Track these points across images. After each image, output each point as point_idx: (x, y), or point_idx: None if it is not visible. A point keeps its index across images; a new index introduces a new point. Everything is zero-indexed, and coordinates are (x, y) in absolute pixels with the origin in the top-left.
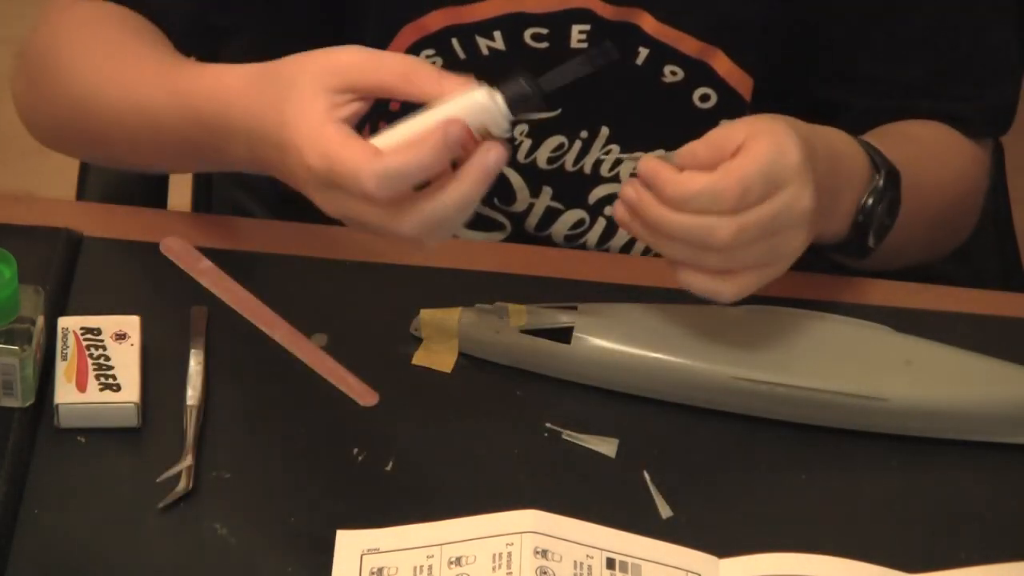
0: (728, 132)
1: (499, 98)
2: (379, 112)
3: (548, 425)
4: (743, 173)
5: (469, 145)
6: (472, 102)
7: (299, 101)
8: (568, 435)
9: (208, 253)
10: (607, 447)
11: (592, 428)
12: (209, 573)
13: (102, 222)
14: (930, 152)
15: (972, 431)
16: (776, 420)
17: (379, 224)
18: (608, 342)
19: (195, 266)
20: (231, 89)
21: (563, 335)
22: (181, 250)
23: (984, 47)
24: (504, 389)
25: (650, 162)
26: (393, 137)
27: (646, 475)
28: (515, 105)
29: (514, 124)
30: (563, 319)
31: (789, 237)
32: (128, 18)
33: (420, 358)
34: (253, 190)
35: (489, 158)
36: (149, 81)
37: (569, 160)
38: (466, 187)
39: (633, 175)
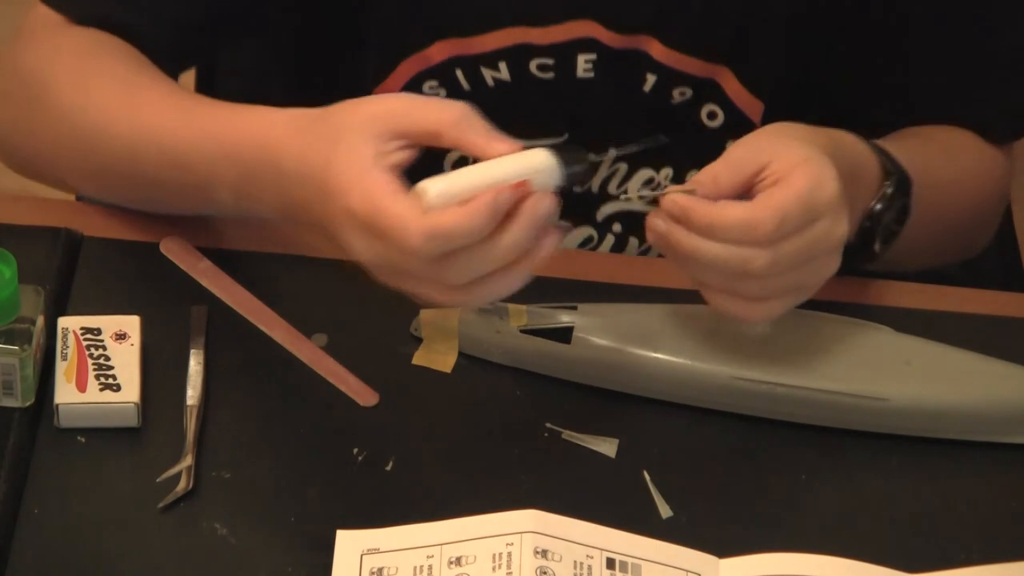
0: (748, 152)
1: (557, 161)
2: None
3: (548, 425)
4: (780, 205)
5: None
6: (536, 162)
7: (347, 146)
8: (568, 435)
9: (208, 253)
10: (607, 447)
11: (592, 428)
12: (209, 573)
13: (102, 222)
14: (949, 155)
15: (972, 431)
16: (776, 420)
17: (421, 274)
18: (608, 342)
19: (195, 266)
20: (278, 132)
21: (563, 335)
22: (181, 250)
23: (1004, 51)
24: (504, 389)
25: (677, 198)
26: (449, 184)
27: (646, 475)
28: (570, 178)
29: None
30: (563, 319)
31: (821, 264)
32: (118, 45)
33: (420, 358)
34: None
35: (539, 207)
36: (171, 117)
37: None
38: (515, 236)
39: (644, 196)
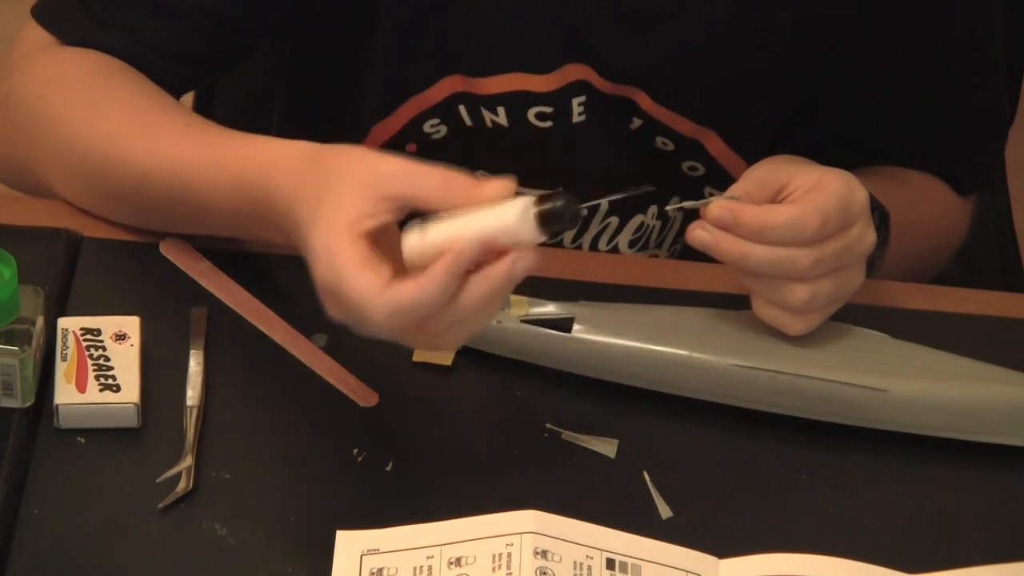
0: (768, 173)
1: (533, 214)
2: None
3: (548, 425)
4: (822, 205)
5: (494, 256)
6: (505, 219)
7: (333, 201)
8: (568, 435)
9: (208, 253)
10: (607, 447)
11: (592, 428)
12: (209, 573)
13: (102, 222)
14: (915, 197)
15: (972, 430)
16: (776, 420)
17: (391, 337)
18: (609, 332)
19: (195, 266)
20: (280, 169)
21: (564, 325)
22: (181, 250)
23: (977, 111)
24: (504, 389)
25: (727, 203)
26: (423, 238)
27: (646, 475)
28: (549, 222)
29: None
30: (564, 310)
31: (853, 273)
32: (122, 68)
33: (420, 353)
34: None
35: (516, 267)
36: (184, 146)
37: (567, 238)
38: (476, 296)
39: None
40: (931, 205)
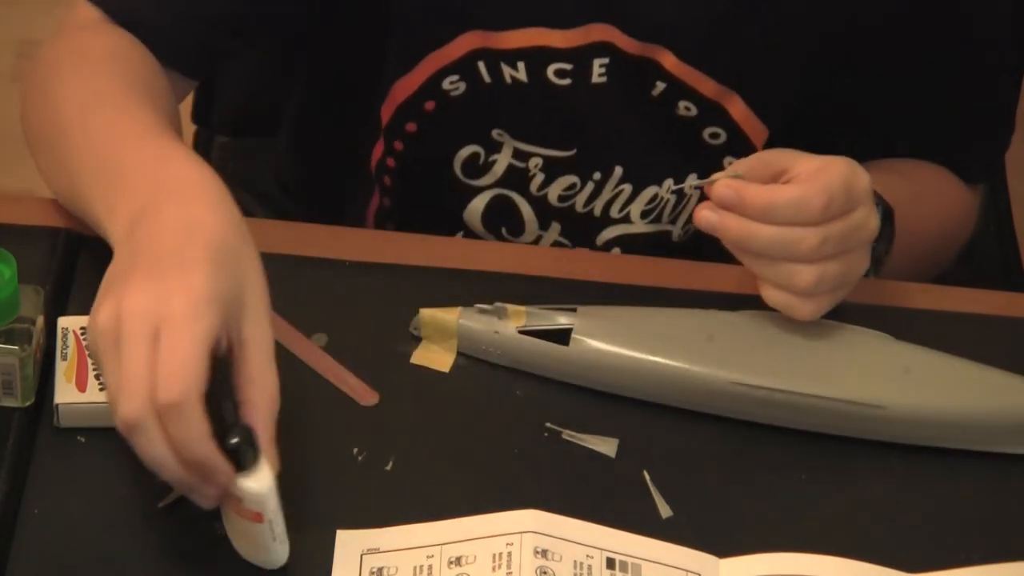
0: (773, 156)
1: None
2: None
3: (548, 425)
4: (827, 186)
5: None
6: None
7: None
8: (568, 435)
9: None
10: (607, 447)
11: (592, 428)
12: (209, 573)
13: None
14: (923, 191)
15: (970, 441)
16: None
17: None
18: (606, 345)
19: None
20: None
21: (562, 336)
22: None
23: (988, 103)
24: (504, 389)
25: (730, 182)
26: None
27: (646, 475)
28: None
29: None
30: (562, 320)
31: (859, 257)
32: (131, 52)
33: (418, 357)
34: (253, 190)
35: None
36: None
37: (580, 201)
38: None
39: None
40: (938, 199)
